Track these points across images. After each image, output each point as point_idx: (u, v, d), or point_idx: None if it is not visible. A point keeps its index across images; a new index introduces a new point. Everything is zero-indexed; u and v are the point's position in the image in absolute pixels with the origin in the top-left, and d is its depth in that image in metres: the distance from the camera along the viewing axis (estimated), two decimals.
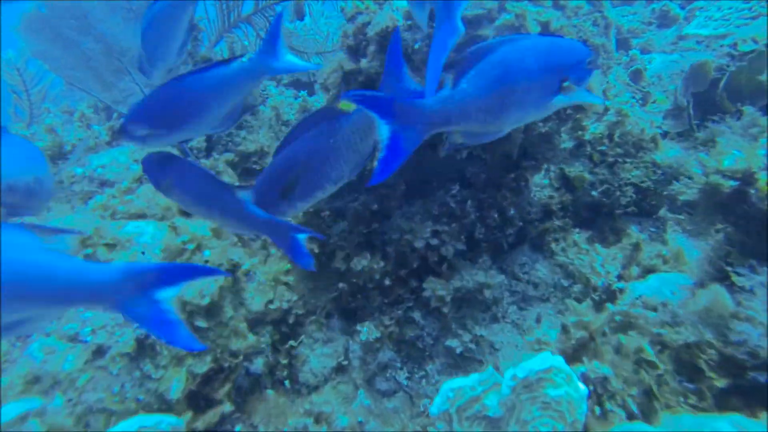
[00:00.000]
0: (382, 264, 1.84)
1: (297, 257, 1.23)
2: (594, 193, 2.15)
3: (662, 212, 1.96)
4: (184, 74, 1.12)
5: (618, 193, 2.12)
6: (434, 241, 1.84)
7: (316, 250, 2.12)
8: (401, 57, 1.11)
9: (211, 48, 2.81)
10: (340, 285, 2.01)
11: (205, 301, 1.49)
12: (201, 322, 1.49)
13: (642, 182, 2.15)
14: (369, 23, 1.90)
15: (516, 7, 1.77)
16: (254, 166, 2.57)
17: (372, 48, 1.85)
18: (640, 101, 2.97)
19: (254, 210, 1.20)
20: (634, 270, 1.88)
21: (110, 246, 1.58)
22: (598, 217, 2.20)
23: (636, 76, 3.18)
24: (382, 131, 0.99)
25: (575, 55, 1.14)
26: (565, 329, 1.43)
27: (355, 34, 1.92)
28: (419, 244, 1.81)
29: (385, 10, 1.92)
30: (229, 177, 2.50)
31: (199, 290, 1.50)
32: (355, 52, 1.95)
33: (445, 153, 1.69)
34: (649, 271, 1.86)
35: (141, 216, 1.80)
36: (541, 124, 1.95)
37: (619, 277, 1.87)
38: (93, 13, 2.44)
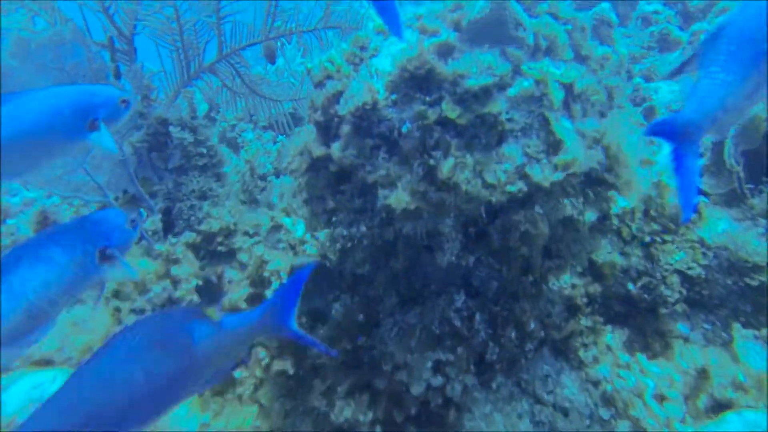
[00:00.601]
0: (370, 415, 1.28)
1: None
2: (630, 286, 1.59)
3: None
4: None
5: (662, 287, 1.57)
6: (437, 381, 1.29)
7: (291, 371, 1.57)
8: (298, 297, 0.91)
9: (169, 105, 2.25)
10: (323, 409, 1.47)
11: None
12: None
13: (689, 269, 1.60)
14: (342, 93, 1.34)
15: (535, 71, 1.21)
16: (220, 248, 2.00)
17: (346, 128, 1.30)
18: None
19: None
20: (702, 400, 1.33)
21: None
22: (636, 312, 1.64)
23: (650, 114, 2.63)
24: (665, 152, 0.85)
25: None
26: None
27: (325, 107, 1.36)
28: (418, 389, 1.26)
29: (362, 76, 1.35)
30: (189, 264, 1.93)
31: None
32: (326, 130, 1.39)
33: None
34: (722, 405, 1.32)
35: (48, 363, 1.24)
36: (569, 205, 1.40)
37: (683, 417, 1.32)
38: (17, 74, 1.87)
